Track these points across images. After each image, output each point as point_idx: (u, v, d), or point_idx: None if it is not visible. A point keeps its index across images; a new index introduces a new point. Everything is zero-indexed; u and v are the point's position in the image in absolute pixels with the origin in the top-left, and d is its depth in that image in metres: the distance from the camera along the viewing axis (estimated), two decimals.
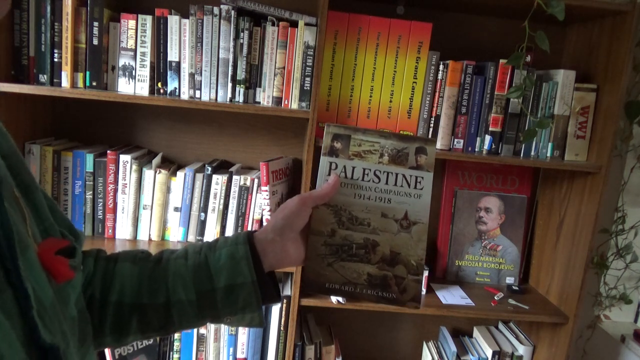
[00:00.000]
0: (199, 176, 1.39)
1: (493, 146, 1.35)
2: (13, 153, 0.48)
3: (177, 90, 1.30)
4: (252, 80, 1.32)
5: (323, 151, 0.67)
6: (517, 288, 1.53)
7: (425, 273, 1.45)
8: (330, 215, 0.65)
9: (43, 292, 0.41)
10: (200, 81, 1.30)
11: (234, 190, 1.40)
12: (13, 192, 0.44)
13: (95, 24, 1.24)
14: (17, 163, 0.47)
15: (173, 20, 1.27)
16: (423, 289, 1.45)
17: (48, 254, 0.44)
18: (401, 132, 1.34)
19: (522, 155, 1.37)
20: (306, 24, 1.28)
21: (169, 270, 0.62)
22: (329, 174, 0.66)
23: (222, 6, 1.27)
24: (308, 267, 0.64)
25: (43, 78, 1.25)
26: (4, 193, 0.40)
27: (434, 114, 1.33)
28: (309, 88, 1.30)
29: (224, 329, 1.43)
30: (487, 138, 1.35)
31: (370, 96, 1.31)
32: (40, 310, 0.40)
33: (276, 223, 0.63)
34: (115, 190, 1.36)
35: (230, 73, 1.30)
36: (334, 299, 1.27)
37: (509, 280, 1.57)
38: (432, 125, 1.34)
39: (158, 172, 1.37)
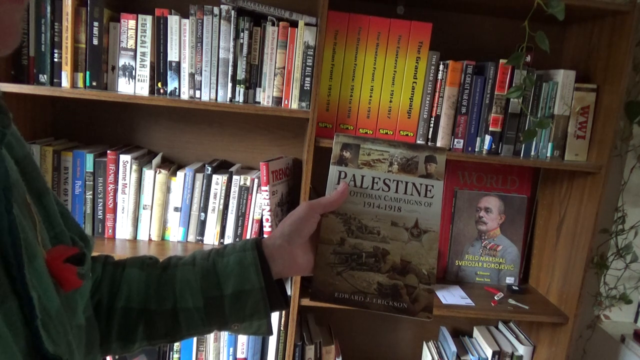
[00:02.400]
0: (199, 176, 1.39)
1: (493, 146, 1.35)
2: (27, 157, 0.47)
3: (177, 90, 1.30)
4: (252, 80, 1.32)
5: (332, 160, 0.67)
6: (517, 288, 1.53)
7: None
8: (340, 224, 0.65)
9: (49, 300, 0.41)
10: (200, 81, 1.30)
11: (234, 190, 1.40)
12: (25, 198, 0.44)
13: (95, 24, 1.24)
14: (30, 168, 0.47)
15: (173, 20, 1.27)
16: None
17: (56, 262, 0.43)
18: (400, 132, 1.34)
19: (522, 155, 1.37)
20: (306, 24, 1.28)
21: (176, 277, 0.61)
22: (338, 183, 0.66)
23: (222, 6, 1.27)
24: (317, 276, 0.64)
25: (43, 78, 1.25)
26: (15, 199, 0.39)
27: (434, 114, 1.33)
28: (309, 88, 1.30)
29: None
30: (487, 138, 1.35)
31: (370, 96, 1.31)
32: (45, 320, 0.39)
33: (284, 229, 0.63)
34: (115, 190, 1.36)
35: (230, 73, 1.30)
36: None
37: (509, 280, 1.57)
38: (432, 125, 1.34)
39: (158, 172, 1.37)
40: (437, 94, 1.32)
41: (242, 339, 1.43)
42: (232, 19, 1.27)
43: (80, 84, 1.27)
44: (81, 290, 0.49)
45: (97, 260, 0.62)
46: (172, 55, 1.29)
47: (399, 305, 0.63)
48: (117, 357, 1.38)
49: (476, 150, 1.36)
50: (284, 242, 0.62)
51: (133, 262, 0.63)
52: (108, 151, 1.35)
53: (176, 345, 1.42)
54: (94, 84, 1.26)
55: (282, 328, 1.38)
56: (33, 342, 0.38)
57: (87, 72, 1.26)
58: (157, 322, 0.60)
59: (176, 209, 1.41)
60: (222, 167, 1.50)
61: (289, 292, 1.39)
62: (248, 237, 1.43)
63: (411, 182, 0.66)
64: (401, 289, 0.63)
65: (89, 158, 1.35)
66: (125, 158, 1.35)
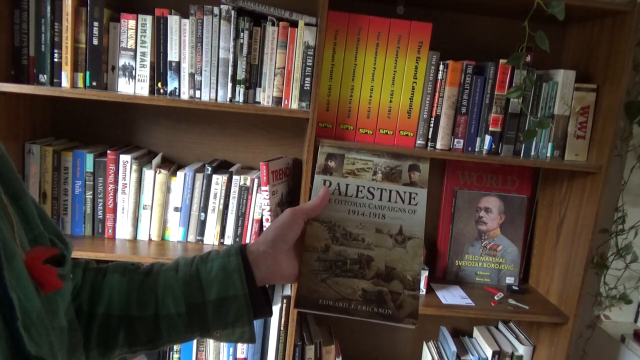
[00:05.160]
0: (199, 176, 1.39)
1: (493, 146, 1.35)
2: (2, 158, 0.46)
3: (177, 90, 1.30)
4: (252, 80, 1.32)
5: (317, 170, 0.68)
6: (517, 288, 1.53)
7: (425, 273, 1.45)
8: (324, 231, 0.65)
9: (29, 302, 0.40)
10: (200, 81, 1.30)
11: (234, 190, 1.40)
12: (1, 199, 0.43)
13: (95, 24, 1.24)
14: (5, 169, 0.46)
15: (173, 20, 1.27)
16: (423, 289, 1.45)
17: (36, 263, 0.43)
18: (400, 132, 1.34)
19: (522, 155, 1.37)
20: (306, 24, 1.28)
21: (158, 282, 0.60)
22: None
23: (222, 6, 1.27)
24: (301, 283, 0.63)
25: (43, 78, 1.25)
26: None
27: (434, 114, 1.33)
28: (309, 88, 1.30)
29: None
30: (487, 138, 1.35)
31: (370, 96, 1.31)
32: (25, 321, 0.39)
33: (267, 236, 0.62)
34: (115, 190, 1.36)
35: (230, 73, 1.30)
36: None
37: (509, 280, 1.57)
38: (432, 125, 1.34)
39: (158, 172, 1.37)
40: (437, 94, 1.32)
41: None
42: (232, 19, 1.27)
43: (80, 84, 1.27)
44: (62, 291, 0.48)
45: (77, 265, 0.61)
46: (172, 55, 1.29)
47: (383, 312, 0.62)
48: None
49: (476, 150, 1.36)
50: (268, 248, 0.61)
51: (114, 268, 0.62)
52: (108, 151, 1.35)
53: (176, 345, 1.42)
54: (94, 84, 1.26)
55: (282, 328, 1.38)
56: (14, 344, 0.37)
57: (87, 72, 1.26)
58: (138, 328, 0.59)
59: (176, 209, 1.41)
60: (222, 167, 1.50)
61: (288, 293, 1.39)
62: (248, 237, 1.43)
63: (395, 190, 0.67)
64: (386, 295, 0.63)
65: (89, 158, 1.35)
66: (125, 158, 1.35)
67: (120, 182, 1.36)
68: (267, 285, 0.65)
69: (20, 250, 0.42)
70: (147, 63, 1.29)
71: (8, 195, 0.45)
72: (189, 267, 0.61)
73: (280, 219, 0.63)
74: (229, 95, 1.31)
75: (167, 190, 1.40)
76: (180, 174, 1.39)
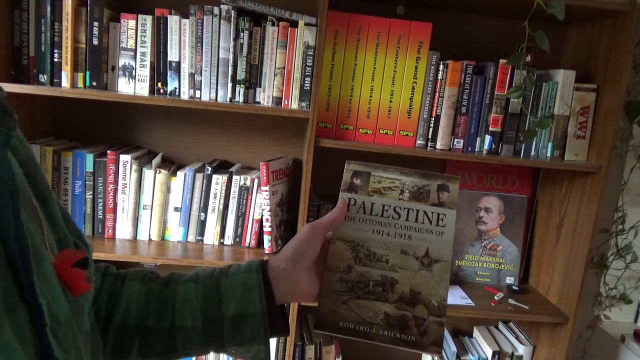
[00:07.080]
0: (199, 176, 1.39)
1: (493, 146, 1.35)
2: (30, 159, 0.46)
3: (177, 90, 1.30)
4: (252, 80, 1.32)
5: (342, 187, 0.66)
6: (517, 288, 1.53)
7: None
8: (347, 251, 0.63)
9: (58, 306, 0.40)
10: (200, 81, 1.30)
11: (234, 190, 1.40)
12: (31, 201, 0.42)
13: (95, 24, 1.24)
14: (34, 170, 0.46)
15: (173, 20, 1.27)
16: None
17: (65, 267, 0.42)
18: (400, 132, 1.34)
19: (522, 155, 1.37)
20: (306, 24, 1.28)
21: (177, 294, 0.60)
22: (348, 210, 0.64)
23: (222, 6, 1.27)
24: (322, 304, 0.61)
25: (43, 78, 1.25)
26: (21, 204, 0.38)
27: (434, 114, 1.33)
28: (309, 88, 1.30)
29: None
30: (487, 138, 1.35)
31: (370, 96, 1.31)
32: (54, 327, 0.38)
33: (287, 253, 0.61)
34: (115, 190, 1.36)
35: (230, 73, 1.30)
36: None
37: (509, 280, 1.57)
38: (432, 125, 1.34)
39: (158, 172, 1.37)
40: (437, 94, 1.32)
41: None
42: (232, 19, 1.27)
43: (80, 84, 1.27)
44: (87, 295, 0.48)
45: (97, 269, 0.61)
46: (172, 55, 1.29)
47: (406, 338, 0.60)
48: None
49: (476, 150, 1.36)
50: (288, 266, 0.60)
51: (134, 275, 0.62)
52: (108, 151, 1.35)
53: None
54: (94, 84, 1.26)
55: None
56: (42, 350, 0.37)
57: (87, 72, 1.26)
58: (154, 339, 0.59)
59: (176, 209, 1.41)
60: (222, 167, 1.50)
61: None
62: (248, 237, 1.43)
63: (422, 211, 0.64)
64: (409, 320, 0.60)
65: (89, 158, 1.35)
66: (125, 158, 1.35)
67: (120, 182, 1.36)
68: (285, 304, 0.64)
69: (50, 254, 0.42)
70: (147, 63, 1.29)
71: (37, 198, 0.45)
72: (209, 279, 0.61)
73: (299, 235, 0.62)
74: (229, 95, 1.31)
75: (167, 190, 1.40)
76: (180, 174, 1.39)
